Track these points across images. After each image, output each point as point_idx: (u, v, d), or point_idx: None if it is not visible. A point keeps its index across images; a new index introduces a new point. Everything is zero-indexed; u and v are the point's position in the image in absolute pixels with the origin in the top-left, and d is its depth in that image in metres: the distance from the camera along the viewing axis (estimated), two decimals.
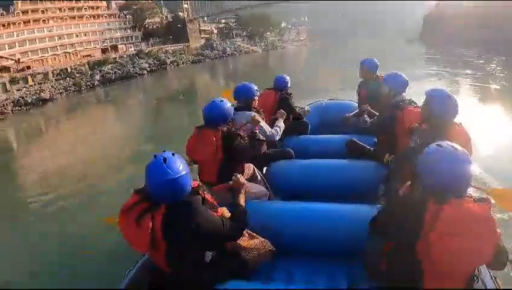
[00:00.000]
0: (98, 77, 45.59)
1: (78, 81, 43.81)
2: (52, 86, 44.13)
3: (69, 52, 56.93)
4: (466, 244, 1.82)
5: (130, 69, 48.92)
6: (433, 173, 1.97)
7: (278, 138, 4.17)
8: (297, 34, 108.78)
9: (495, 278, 2.42)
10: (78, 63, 50.83)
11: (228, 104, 3.39)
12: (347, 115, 4.98)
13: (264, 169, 4.24)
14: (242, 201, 2.73)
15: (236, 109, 3.88)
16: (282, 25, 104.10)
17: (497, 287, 2.35)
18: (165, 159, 2.08)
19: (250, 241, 2.72)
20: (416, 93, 3.94)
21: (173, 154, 2.14)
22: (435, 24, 58.77)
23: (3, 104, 41.16)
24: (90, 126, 20.39)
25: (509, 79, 20.57)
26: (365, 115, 4.54)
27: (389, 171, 3.67)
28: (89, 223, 6.32)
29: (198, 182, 2.35)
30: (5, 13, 53.60)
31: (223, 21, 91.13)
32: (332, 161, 4.18)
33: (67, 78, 45.95)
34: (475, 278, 2.12)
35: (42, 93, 42.08)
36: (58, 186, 9.69)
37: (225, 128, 3.28)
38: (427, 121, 3.14)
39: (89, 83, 44.03)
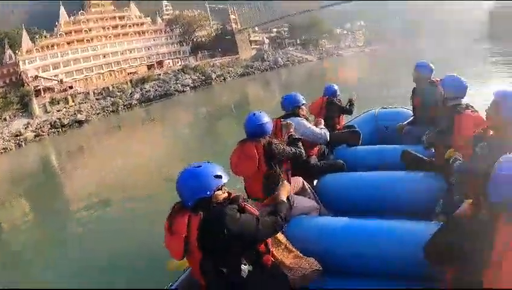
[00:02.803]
0: (137, 95, 42.78)
1: (116, 101, 41.26)
2: (91, 106, 42.03)
3: (114, 70, 55.12)
4: None
5: (171, 86, 45.74)
6: (507, 188, 1.75)
7: (327, 137, 4.20)
8: (353, 40, 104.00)
9: None
10: (122, 81, 48.73)
11: (267, 116, 3.32)
12: (401, 124, 5.10)
13: (315, 182, 4.13)
14: (282, 196, 2.53)
15: (285, 117, 4.05)
16: (338, 31, 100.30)
17: None
18: (189, 167, 2.20)
19: (295, 260, 2.64)
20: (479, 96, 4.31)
21: (199, 166, 2.20)
22: (505, 19, 53.46)
23: (41, 126, 39.77)
24: (128, 147, 19.88)
25: None
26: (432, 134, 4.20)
27: (449, 185, 3.36)
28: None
29: (238, 194, 2.33)
30: (48, 35, 53.31)
31: (275, 30, 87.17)
32: (387, 173, 4.04)
33: (108, 98, 43.72)
34: None
35: (79, 115, 40.22)
36: (108, 203, 10.43)
37: (267, 140, 3.21)
38: (495, 127, 2.81)
39: (127, 103, 41.22)
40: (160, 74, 50.78)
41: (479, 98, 3.72)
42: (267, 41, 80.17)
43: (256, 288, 2.19)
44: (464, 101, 3.62)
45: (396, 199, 3.61)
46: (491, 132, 2.81)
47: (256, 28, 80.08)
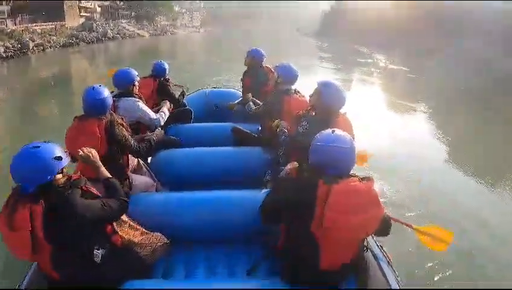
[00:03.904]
0: None
1: None
2: None
3: None
4: (355, 220, 2.07)
5: None
6: (327, 155, 2.23)
7: (162, 123, 4.21)
8: (190, 20, 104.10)
9: (381, 246, 2.74)
10: None
11: (107, 90, 3.25)
12: (231, 103, 5.37)
13: (149, 159, 4.18)
14: (104, 172, 2.59)
15: (118, 96, 3.91)
16: (176, 8, 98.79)
17: (384, 254, 2.65)
18: (25, 148, 2.04)
19: (142, 237, 2.68)
20: (305, 84, 4.23)
21: (37, 147, 2.05)
22: (334, 20, 59.63)
23: None
24: None
25: (392, 73, 23.82)
26: (250, 103, 4.88)
27: (276, 156, 3.79)
28: None
29: (79, 175, 2.27)
30: None
31: None
32: (219, 148, 4.25)
33: None
34: (365, 249, 2.48)
35: None
36: None
37: (109, 117, 3.12)
38: (316, 109, 3.44)
39: None
40: None
41: (306, 86, 3.99)
42: (99, 10, 74.93)
43: (111, 270, 2.21)
44: (293, 87, 4.16)
45: (229, 172, 3.88)
46: (313, 113, 3.41)
47: None
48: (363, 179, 2.20)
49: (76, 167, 3.14)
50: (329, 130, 2.35)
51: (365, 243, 2.47)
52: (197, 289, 2.41)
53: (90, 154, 2.64)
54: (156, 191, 3.68)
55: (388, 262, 2.61)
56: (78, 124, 3.14)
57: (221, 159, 4.10)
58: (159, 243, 2.76)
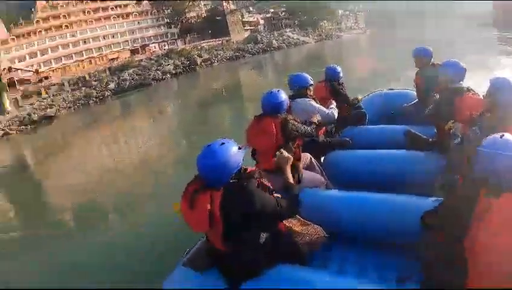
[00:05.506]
0: (112, 85, 39.02)
1: (89, 92, 37.62)
2: (63, 99, 38.60)
3: (94, 57, 51.40)
4: None
5: (150, 74, 41.87)
6: (490, 163, 1.99)
7: (335, 116, 4.36)
8: (355, 22, 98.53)
9: None
10: (102, 68, 45.08)
11: (284, 94, 3.48)
12: (405, 105, 5.38)
13: (322, 158, 4.30)
14: (290, 176, 2.77)
15: (292, 97, 4.19)
16: (340, 12, 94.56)
17: None
18: (212, 146, 2.24)
19: (303, 227, 2.79)
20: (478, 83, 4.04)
21: (222, 144, 2.25)
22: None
23: (9, 124, 36.48)
24: (110, 142, 18.90)
25: None
26: (423, 104, 4.78)
27: (448, 162, 3.66)
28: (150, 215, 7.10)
29: (254, 168, 2.45)
30: (23, 23, 49.60)
31: (271, 10, 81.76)
32: (390, 151, 4.21)
33: (83, 88, 40.23)
34: None
35: (49, 109, 36.71)
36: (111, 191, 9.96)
37: (283, 116, 3.36)
38: (491, 110, 3.16)
39: (100, 94, 37.69)
40: (142, 60, 46.90)
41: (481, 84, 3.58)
42: (262, 22, 75.56)
43: (271, 252, 2.37)
44: (465, 84, 3.83)
45: (399, 176, 3.77)
46: (487, 115, 3.10)
47: (251, 8, 75.51)
48: None
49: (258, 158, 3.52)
50: (497, 135, 2.09)
51: None
52: (347, 288, 2.36)
53: (287, 159, 2.85)
54: (326, 188, 3.75)
55: None
56: (257, 123, 3.42)
57: (391, 163, 3.99)
58: (317, 235, 2.80)
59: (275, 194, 2.42)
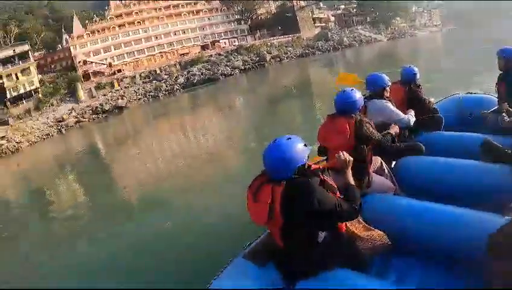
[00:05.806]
0: (181, 79, 39.20)
1: (159, 85, 37.97)
2: (134, 91, 39.37)
3: (166, 52, 52.32)
4: None
5: (219, 69, 41.86)
6: None
7: (411, 123, 4.24)
8: (430, 19, 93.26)
9: None
10: (172, 62, 45.75)
11: (359, 93, 3.41)
12: (485, 111, 5.02)
13: (393, 163, 4.21)
14: (350, 179, 2.68)
15: (369, 98, 4.14)
16: (414, 8, 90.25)
17: None
18: (279, 140, 2.24)
19: (366, 232, 2.73)
20: None
21: (289, 138, 2.25)
22: None
23: (83, 112, 37.91)
24: (180, 132, 19.36)
25: None
26: (504, 114, 4.54)
27: None
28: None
29: (319, 166, 2.45)
30: (98, 20, 52.10)
31: (342, 7, 79.76)
32: (465, 161, 4.01)
33: (154, 81, 40.78)
34: None
35: (120, 100, 37.66)
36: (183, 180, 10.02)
37: (358, 117, 3.29)
38: None
39: (170, 88, 37.95)
40: (211, 55, 47.06)
41: None
42: (332, 18, 73.06)
43: (329, 253, 2.32)
44: None
45: (472, 188, 3.64)
46: None
47: (321, 4, 73.27)
48: None
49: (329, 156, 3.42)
50: None
51: None
52: None
53: (348, 161, 2.69)
54: (395, 195, 3.63)
55: None
56: (330, 122, 3.36)
57: (466, 173, 3.76)
58: (380, 241, 2.68)
59: (338, 195, 2.39)
